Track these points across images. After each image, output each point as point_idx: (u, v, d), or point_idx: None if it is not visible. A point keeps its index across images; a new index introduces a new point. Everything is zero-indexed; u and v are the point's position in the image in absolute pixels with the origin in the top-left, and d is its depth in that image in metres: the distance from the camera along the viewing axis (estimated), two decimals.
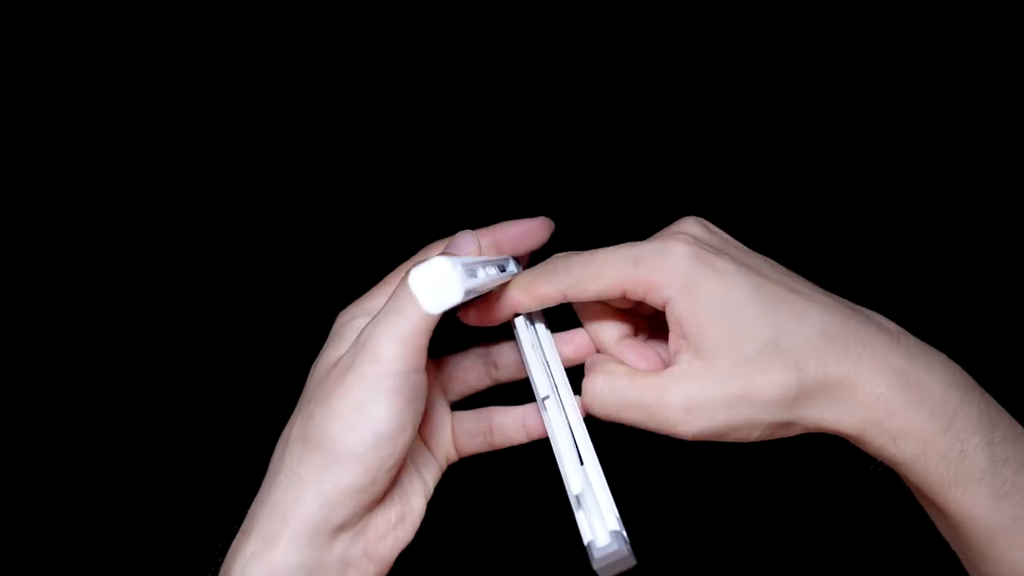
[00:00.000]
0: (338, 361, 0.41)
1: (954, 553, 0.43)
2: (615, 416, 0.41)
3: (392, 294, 0.40)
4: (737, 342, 0.38)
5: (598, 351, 0.46)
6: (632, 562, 0.37)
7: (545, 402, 0.43)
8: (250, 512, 0.43)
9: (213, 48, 0.97)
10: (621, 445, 0.50)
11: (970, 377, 0.40)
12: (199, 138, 0.99)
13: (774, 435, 0.40)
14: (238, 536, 0.42)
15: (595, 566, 0.37)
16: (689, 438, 0.40)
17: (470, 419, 0.48)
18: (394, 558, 0.43)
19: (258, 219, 1.01)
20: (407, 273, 0.36)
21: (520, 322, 0.45)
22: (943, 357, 0.40)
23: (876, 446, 0.39)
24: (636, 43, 0.96)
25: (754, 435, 0.39)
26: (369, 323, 0.40)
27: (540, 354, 0.45)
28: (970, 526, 0.39)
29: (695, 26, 0.96)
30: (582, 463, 0.41)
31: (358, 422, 0.39)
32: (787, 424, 0.39)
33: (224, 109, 0.98)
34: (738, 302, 0.39)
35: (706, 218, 0.44)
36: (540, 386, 0.43)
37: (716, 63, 0.95)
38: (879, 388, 0.38)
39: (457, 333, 0.48)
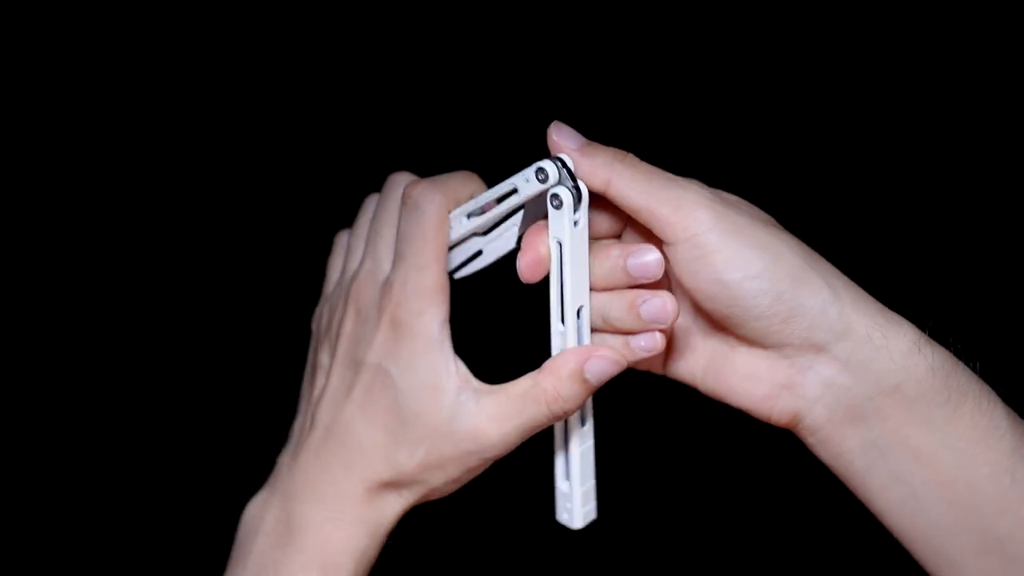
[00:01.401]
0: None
1: None
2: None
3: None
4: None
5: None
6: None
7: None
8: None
9: (213, 49, 0.97)
10: (620, 446, 0.51)
11: None
12: (199, 139, 0.99)
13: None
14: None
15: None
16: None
17: None
18: None
19: (257, 219, 1.01)
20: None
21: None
22: None
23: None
24: (636, 43, 0.97)
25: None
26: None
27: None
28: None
29: (695, 26, 0.96)
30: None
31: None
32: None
33: (224, 109, 0.98)
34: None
35: None
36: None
37: (716, 63, 0.95)
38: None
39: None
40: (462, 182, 0.46)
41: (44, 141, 0.97)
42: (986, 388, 0.41)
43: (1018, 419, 0.41)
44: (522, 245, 0.44)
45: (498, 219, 0.45)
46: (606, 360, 0.42)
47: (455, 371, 0.44)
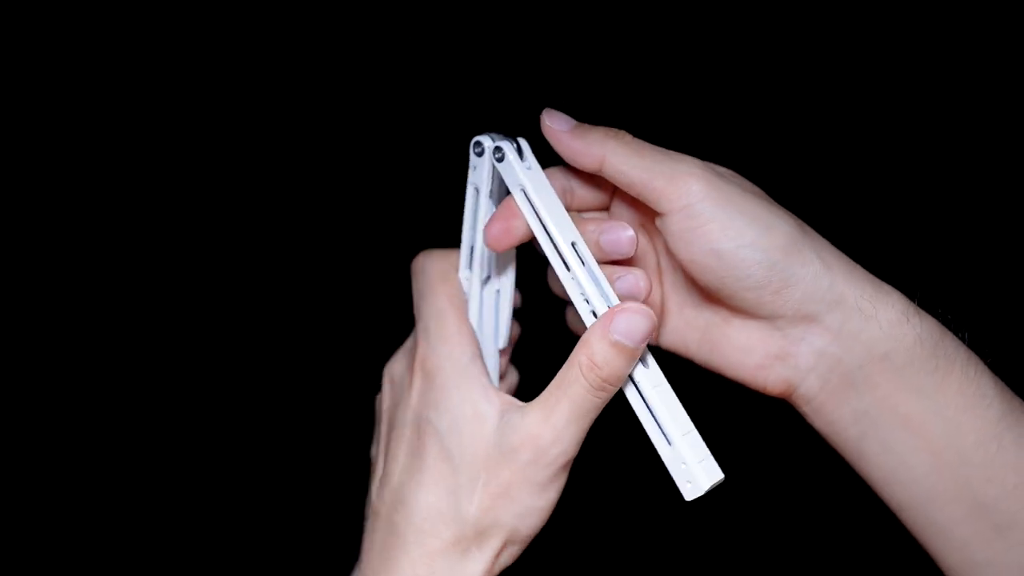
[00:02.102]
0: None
1: None
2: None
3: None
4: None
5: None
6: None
7: (575, 247, 0.43)
8: None
9: (213, 49, 0.97)
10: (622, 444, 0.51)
11: None
12: (200, 140, 0.99)
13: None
14: None
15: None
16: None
17: None
18: None
19: (255, 219, 1.02)
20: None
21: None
22: None
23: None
24: (635, 43, 0.97)
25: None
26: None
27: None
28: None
29: (695, 26, 0.96)
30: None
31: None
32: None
33: (223, 110, 0.98)
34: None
35: None
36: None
37: (715, 62, 0.95)
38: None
39: None
40: (455, 251, 0.48)
41: (44, 141, 0.97)
42: (974, 357, 0.41)
43: (1005, 388, 0.41)
44: (492, 216, 0.45)
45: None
46: (629, 312, 0.40)
47: (494, 396, 0.43)
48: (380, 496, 0.45)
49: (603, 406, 0.41)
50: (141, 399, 1.01)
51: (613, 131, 0.43)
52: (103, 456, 1.00)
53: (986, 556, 0.40)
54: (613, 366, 0.40)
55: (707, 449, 0.41)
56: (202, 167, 1.00)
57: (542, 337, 0.53)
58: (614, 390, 0.41)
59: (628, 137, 0.43)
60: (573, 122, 0.44)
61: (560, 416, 0.41)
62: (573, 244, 0.43)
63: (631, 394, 0.42)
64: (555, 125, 0.43)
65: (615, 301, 0.42)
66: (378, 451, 0.47)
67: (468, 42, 0.97)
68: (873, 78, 0.94)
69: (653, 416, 0.41)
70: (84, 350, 1.00)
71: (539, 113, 0.44)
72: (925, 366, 0.40)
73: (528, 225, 0.44)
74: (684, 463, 0.40)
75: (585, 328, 0.42)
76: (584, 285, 0.42)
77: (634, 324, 0.40)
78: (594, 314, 0.42)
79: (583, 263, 0.43)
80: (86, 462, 0.99)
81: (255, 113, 1.00)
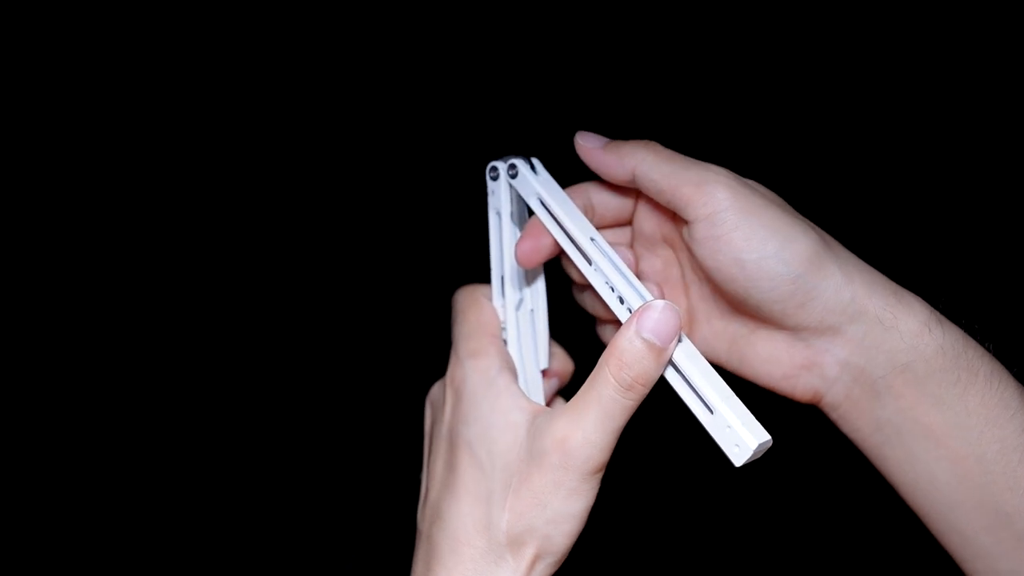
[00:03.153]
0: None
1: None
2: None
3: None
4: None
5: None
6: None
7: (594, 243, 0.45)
8: None
9: (213, 49, 0.97)
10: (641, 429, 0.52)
11: None
12: (200, 140, 0.99)
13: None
14: None
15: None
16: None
17: None
18: None
19: (254, 219, 1.02)
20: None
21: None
22: None
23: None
24: (636, 44, 0.96)
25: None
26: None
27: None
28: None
29: (695, 26, 0.95)
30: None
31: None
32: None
33: (223, 110, 0.99)
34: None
35: None
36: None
37: (715, 62, 0.95)
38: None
39: None
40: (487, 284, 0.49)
41: (44, 141, 0.98)
42: (998, 367, 0.41)
43: None
44: (521, 235, 0.47)
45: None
46: (657, 310, 0.40)
47: (525, 404, 0.43)
48: (422, 514, 0.45)
49: (634, 409, 0.41)
50: (145, 402, 1.01)
51: (644, 142, 0.44)
52: (103, 457, 1.00)
53: (1010, 565, 0.41)
54: (643, 365, 0.40)
55: (750, 412, 0.40)
56: (201, 166, 1.01)
57: (576, 356, 0.53)
58: (645, 391, 0.41)
59: (658, 147, 0.44)
60: (604, 139, 0.45)
61: (591, 422, 0.40)
62: (592, 240, 0.45)
63: (667, 369, 0.42)
64: (588, 144, 0.45)
65: (639, 285, 0.43)
66: (423, 474, 0.48)
67: (479, 68, 0.98)
68: (898, 85, 0.93)
69: (691, 386, 0.41)
70: (86, 352, 1.00)
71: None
72: (947, 377, 0.40)
73: (555, 240, 0.46)
74: (729, 427, 0.39)
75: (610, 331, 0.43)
76: (608, 273, 0.44)
77: (662, 322, 0.40)
78: (621, 299, 0.43)
79: (606, 256, 0.44)
80: (86, 462, 1.00)
81: (253, 113, 1.00)
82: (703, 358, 0.42)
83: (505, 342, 0.48)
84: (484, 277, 0.50)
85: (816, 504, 0.98)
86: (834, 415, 0.44)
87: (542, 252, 0.46)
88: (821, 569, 0.98)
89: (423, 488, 0.47)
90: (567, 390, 0.51)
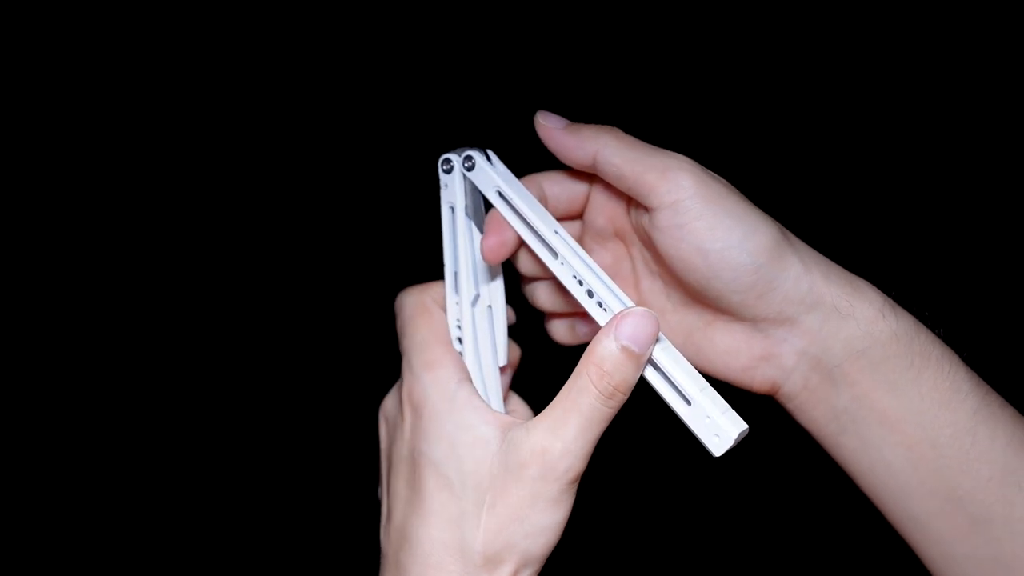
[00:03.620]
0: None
1: None
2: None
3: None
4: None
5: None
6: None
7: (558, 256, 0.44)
8: None
9: (213, 49, 0.98)
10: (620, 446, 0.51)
11: None
12: (199, 140, 1.00)
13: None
14: None
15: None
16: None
17: None
18: None
19: (256, 218, 1.02)
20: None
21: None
22: None
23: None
24: (635, 44, 0.97)
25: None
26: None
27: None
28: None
29: (695, 25, 0.96)
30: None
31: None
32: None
33: (222, 110, 0.99)
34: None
35: None
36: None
37: (714, 61, 0.95)
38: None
39: None
40: (434, 283, 0.48)
41: (44, 141, 0.98)
42: (949, 351, 0.42)
43: (981, 382, 0.42)
44: (484, 230, 0.46)
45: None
46: (634, 317, 0.39)
47: (491, 417, 0.41)
48: (387, 536, 0.44)
49: (612, 416, 0.40)
50: (144, 403, 1.02)
51: (606, 127, 0.44)
52: (103, 458, 1.00)
53: (964, 550, 0.41)
54: (623, 373, 0.39)
55: (725, 402, 0.40)
56: (200, 166, 1.01)
57: (537, 353, 0.53)
58: (625, 398, 0.40)
59: (620, 132, 0.43)
60: (566, 120, 0.44)
61: (569, 428, 0.39)
62: (556, 232, 0.44)
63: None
64: (550, 124, 0.44)
65: (608, 280, 0.43)
66: (382, 492, 0.46)
67: (472, 43, 0.97)
68: (843, 74, 0.94)
69: (669, 380, 0.40)
70: (87, 353, 1.00)
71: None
72: (901, 362, 0.41)
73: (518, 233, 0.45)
74: (708, 417, 0.39)
75: (565, 334, 0.42)
76: (575, 266, 0.43)
77: (640, 328, 0.39)
78: (590, 293, 0.42)
79: (572, 249, 0.43)
80: (87, 463, 1.00)
81: (252, 114, 1.00)
82: (677, 350, 0.41)
83: (460, 340, 0.46)
84: (432, 274, 0.48)
85: (787, 494, 0.99)
86: (791, 405, 0.44)
87: (508, 246, 0.45)
88: (798, 558, 0.99)
89: (384, 508, 0.45)
90: (516, 381, 0.50)
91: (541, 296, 0.50)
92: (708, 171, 0.43)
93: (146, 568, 0.98)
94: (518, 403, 0.49)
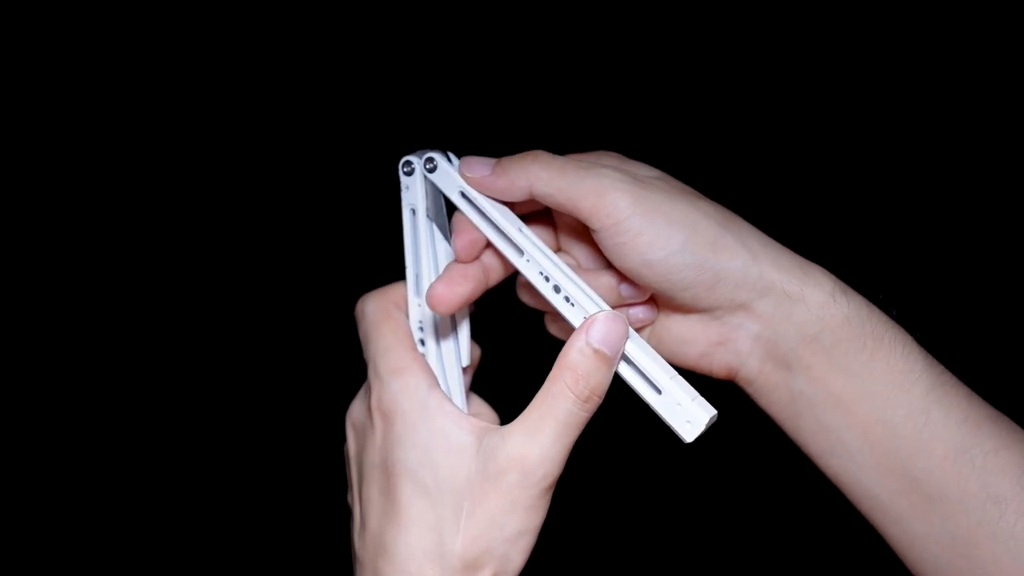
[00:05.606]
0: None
1: None
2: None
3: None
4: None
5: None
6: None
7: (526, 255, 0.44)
8: None
9: (213, 49, 0.97)
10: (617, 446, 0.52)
11: None
12: (200, 140, 0.99)
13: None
14: None
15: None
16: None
17: None
18: None
19: (256, 218, 1.02)
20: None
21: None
22: None
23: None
24: (635, 44, 0.97)
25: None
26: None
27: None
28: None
29: (695, 25, 0.96)
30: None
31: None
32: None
33: (222, 110, 0.98)
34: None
35: None
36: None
37: (714, 62, 0.95)
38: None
39: None
40: (393, 286, 0.47)
41: (44, 141, 0.97)
42: (902, 333, 0.42)
43: (935, 362, 0.42)
44: (452, 231, 0.46)
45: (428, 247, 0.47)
46: (604, 321, 0.40)
47: (465, 423, 0.41)
48: (362, 544, 0.43)
49: (587, 421, 0.41)
50: (143, 403, 1.01)
51: (531, 155, 0.43)
52: (103, 458, 1.00)
53: (923, 528, 0.41)
54: (598, 376, 0.40)
55: (695, 389, 0.40)
56: (200, 166, 1.00)
57: (505, 355, 0.53)
58: (599, 401, 0.40)
59: (547, 157, 0.43)
60: (492, 162, 0.44)
61: (548, 435, 0.40)
62: (520, 230, 0.44)
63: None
64: (475, 173, 0.44)
65: (572, 274, 0.43)
66: (353, 498, 0.46)
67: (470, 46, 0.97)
68: (801, 62, 0.94)
69: (638, 369, 0.41)
70: (87, 354, 1.00)
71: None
72: (854, 345, 0.41)
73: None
74: (679, 404, 0.40)
75: (559, 330, 0.42)
76: (541, 263, 0.43)
77: (610, 330, 0.40)
78: (556, 288, 0.43)
79: (536, 246, 0.44)
80: (87, 463, 1.00)
81: (252, 113, 1.00)
82: (645, 341, 0.42)
83: (423, 343, 0.47)
84: (393, 275, 0.48)
85: (757, 481, 1.00)
86: (750, 389, 0.45)
87: (478, 245, 0.45)
88: (773, 545, 0.99)
89: (356, 516, 0.45)
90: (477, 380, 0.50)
91: (525, 294, 0.50)
92: (640, 177, 0.43)
93: (131, 568, 0.98)
94: (480, 404, 0.49)
